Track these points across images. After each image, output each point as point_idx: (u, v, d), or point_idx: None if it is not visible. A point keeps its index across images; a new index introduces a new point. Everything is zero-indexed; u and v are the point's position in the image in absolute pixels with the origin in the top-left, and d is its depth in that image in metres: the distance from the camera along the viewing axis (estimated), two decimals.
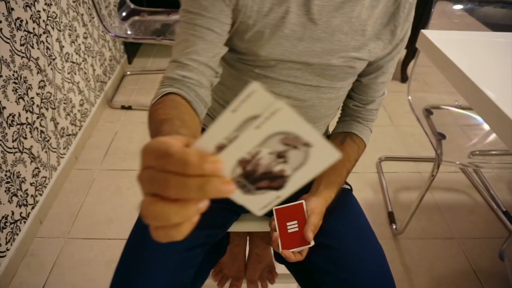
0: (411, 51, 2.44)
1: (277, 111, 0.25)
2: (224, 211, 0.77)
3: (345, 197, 0.77)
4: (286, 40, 0.62)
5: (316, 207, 0.66)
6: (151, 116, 0.54)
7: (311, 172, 0.29)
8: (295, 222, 0.66)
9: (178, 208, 0.25)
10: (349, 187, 0.81)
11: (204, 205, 0.26)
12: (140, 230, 0.68)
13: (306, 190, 0.71)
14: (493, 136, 1.36)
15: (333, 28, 0.62)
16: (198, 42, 0.59)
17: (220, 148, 0.27)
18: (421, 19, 2.26)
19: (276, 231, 0.66)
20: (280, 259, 0.86)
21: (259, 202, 0.31)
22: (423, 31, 1.16)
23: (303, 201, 0.67)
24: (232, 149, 0.27)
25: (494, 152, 1.34)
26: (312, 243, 0.64)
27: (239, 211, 0.81)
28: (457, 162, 1.24)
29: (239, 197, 0.30)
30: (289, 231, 0.65)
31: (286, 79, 0.68)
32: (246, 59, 0.67)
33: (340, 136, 0.79)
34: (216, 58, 0.61)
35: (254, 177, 0.29)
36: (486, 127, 1.38)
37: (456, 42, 1.11)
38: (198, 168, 0.24)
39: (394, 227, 1.49)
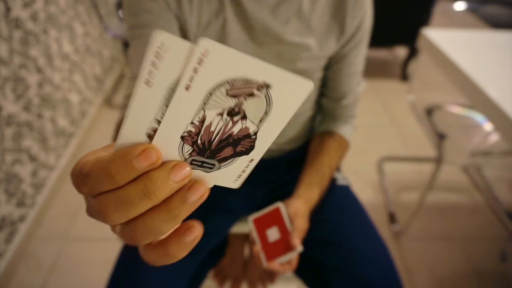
0: (412, 50, 2.43)
1: (204, 56, 0.18)
2: (219, 215, 0.75)
3: (345, 193, 0.76)
4: None
5: (299, 209, 0.63)
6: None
7: (283, 117, 0.22)
8: (275, 228, 0.60)
9: (144, 220, 0.20)
10: (347, 183, 0.80)
11: (185, 205, 0.20)
12: None
13: (288, 195, 0.69)
14: (495, 136, 1.36)
15: (274, 31, 0.62)
16: None
17: (153, 135, 0.20)
18: (423, 18, 2.25)
19: (256, 244, 0.60)
20: None
21: (230, 173, 0.24)
22: (424, 30, 1.16)
23: (279, 204, 0.63)
24: (165, 127, 0.19)
25: (496, 152, 1.33)
26: (300, 248, 0.58)
27: (237, 214, 0.80)
28: (459, 162, 1.24)
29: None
30: (271, 240, 0.60)
31: None
32: None
33: (319, 136, 0.77)
34: None
35: (211, 149, 0.22)
36: (488, 127, 1.37)
37: (458, 41, 1.10)
38: (126, 170, 0.18)
39: (395, 227, 1.48)
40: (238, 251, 1.00)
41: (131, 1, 0.59)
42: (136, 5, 0.59)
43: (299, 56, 0.64)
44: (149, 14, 0.58)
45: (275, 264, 0.58)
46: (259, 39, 0.62)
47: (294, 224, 0.60)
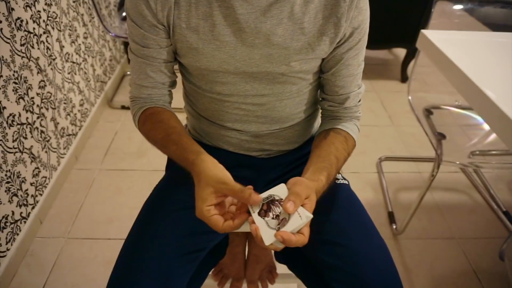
0: (411, 51, 2.44)
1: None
2: None
3: (345, 192, 0.76)
4: (221, 53, 0.63)
5: (301, 180, 0.57)
6: (153, 133, 0.68)
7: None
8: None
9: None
10: (346, 182, 0.80)
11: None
12: (136, 235, 0.68)
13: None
14: (493, 136, 1.36)
15: (265, 33, 0.62)
16: (149, 69, 0.69)
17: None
18: (421, 19, 2.26)
19: (254, 222, 0.53)
20: (281, 259, 0.86)
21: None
22: (423, 31, 1.16)
23: (282, 185, 0.58)
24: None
25: (494, 152, 1.33)
26: (306, 218, 0.52)
27: None
28: (457, 162, 1.24)
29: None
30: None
31: (236, 92, 0.69)
32: (193, 74, 0.71)
33: (323, 132, 0.74)
34: (169, 74, 0.71)
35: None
36: (486, 127, 1.38)
37: (456, 42, 1.11)
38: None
39: (394, 227, 1.49)
40: (238, 250, 1.00)
41: (128, 11, 0.64)
42: (132, 17, 0.64)
43: (289, 58, 0.64)
44: (140, 30, 0.64)
45: (285, 233, 0.51)
46: (249, 41, 0.62)
47: (290, 190, 0.55)
